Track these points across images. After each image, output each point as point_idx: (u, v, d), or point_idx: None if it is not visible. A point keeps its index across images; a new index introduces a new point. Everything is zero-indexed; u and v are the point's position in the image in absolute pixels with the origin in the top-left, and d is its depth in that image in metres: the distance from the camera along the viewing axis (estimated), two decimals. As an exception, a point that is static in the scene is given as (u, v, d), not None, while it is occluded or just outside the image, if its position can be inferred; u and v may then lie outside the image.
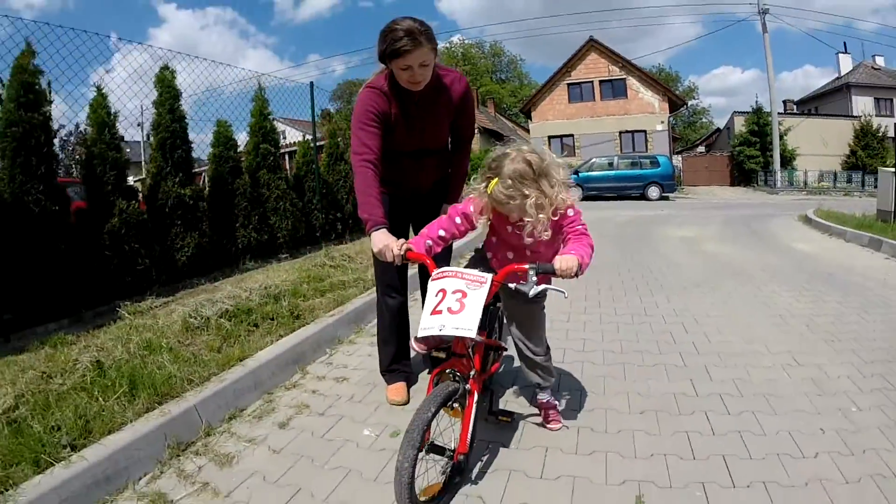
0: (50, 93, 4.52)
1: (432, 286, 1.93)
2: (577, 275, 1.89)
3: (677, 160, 29.55)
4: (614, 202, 18.62)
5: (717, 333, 3.80)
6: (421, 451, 1.73)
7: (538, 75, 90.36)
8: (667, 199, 19.77)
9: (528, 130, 33.98)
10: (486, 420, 2.42)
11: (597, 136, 28.55)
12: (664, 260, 6.88)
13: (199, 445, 2.47)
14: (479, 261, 2.35)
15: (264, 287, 4.23)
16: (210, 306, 3.72)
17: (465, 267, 2.07)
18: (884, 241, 6.83)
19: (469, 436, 1.97)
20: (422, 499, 1.83)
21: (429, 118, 2.54)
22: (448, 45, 50.51)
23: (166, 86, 5.55)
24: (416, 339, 2.01)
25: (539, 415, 2.57)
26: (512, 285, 2.02)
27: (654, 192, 19.66)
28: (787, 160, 27.70)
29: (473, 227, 2.24)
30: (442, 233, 2.16)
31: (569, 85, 29.93)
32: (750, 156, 28.54)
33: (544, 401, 2.49)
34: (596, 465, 2.19)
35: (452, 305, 1.85)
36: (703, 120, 55.36)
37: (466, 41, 52.06)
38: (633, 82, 28.76)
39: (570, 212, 2.09)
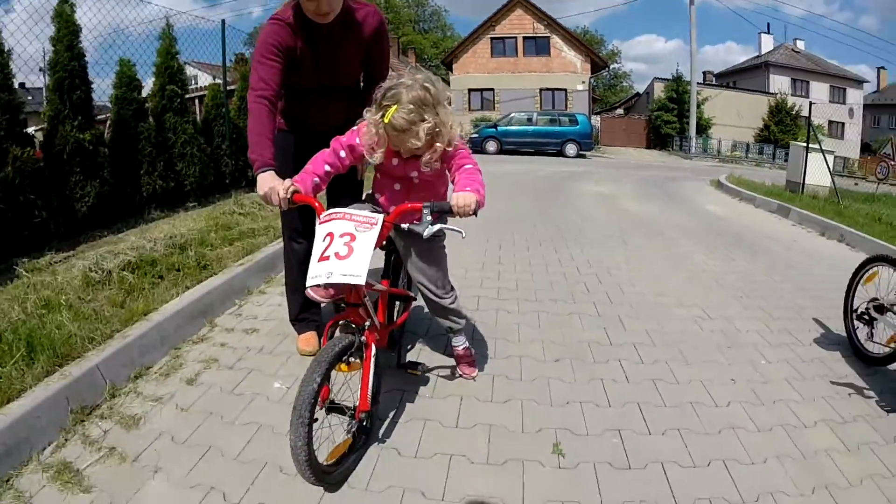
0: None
1: (320, 230, 1.78)
2: (475, 213, 1.82)
3: (596, 120, 30.25)
4: (532, 157, 18.89)
5: (629, 285, 3.95)
6: (314, 422, 1.64)
7: (462, 28, 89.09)
8: (584, 157, 20.25)
9: (448, 82, 33.68)
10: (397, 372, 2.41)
11: (517, 91, 28.58)
12: (579, 214, 7.06)
13: (104, 408, 2.31)
14: (369, 202, 2.25)
15: (170, 237, 3.98)
16: (112, 259, 3.45)
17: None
18: (792, 208, 7.35)
19: (370, 391, 1.87)
20: (329, 462, 1.78)
21: (338, 53, 2.37)
22: (371, -11, 48.73)
23: (65, 20, 4.87)
24: (309, 288, 1.85)
25: (453, 365, 2.57)
26: (405, 226, 1.86)
27: (571, 149, 20.03)
28: (703, 128, 29.11)
29: (357, 161, 2.11)
30: (327, 168, 2.01)
31: (492, 39, 29.69)
32: (667, 121, 29.65)
33: (459, 347, 2.48)
34: (512, 413, 2.23)
35: (340, 250, 1.70)
36: (624, 84, 56.75)
37: (390, -13, 50.26)
38: (556, 41, 28.84)
39: (456, 143, 2.03)
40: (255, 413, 2.24)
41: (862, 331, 2.91)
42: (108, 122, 5.75)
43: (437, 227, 1.82)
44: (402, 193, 2.15)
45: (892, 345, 2.62)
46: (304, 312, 2.79)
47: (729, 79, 38.24)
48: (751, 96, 32.37)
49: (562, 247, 5.08)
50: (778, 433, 2.15)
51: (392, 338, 2.47)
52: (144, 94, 6.04)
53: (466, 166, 2.00)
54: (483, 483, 1.83)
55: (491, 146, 20.48)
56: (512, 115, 21.64)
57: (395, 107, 1.82)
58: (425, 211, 1.80)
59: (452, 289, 2.37)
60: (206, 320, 3.18)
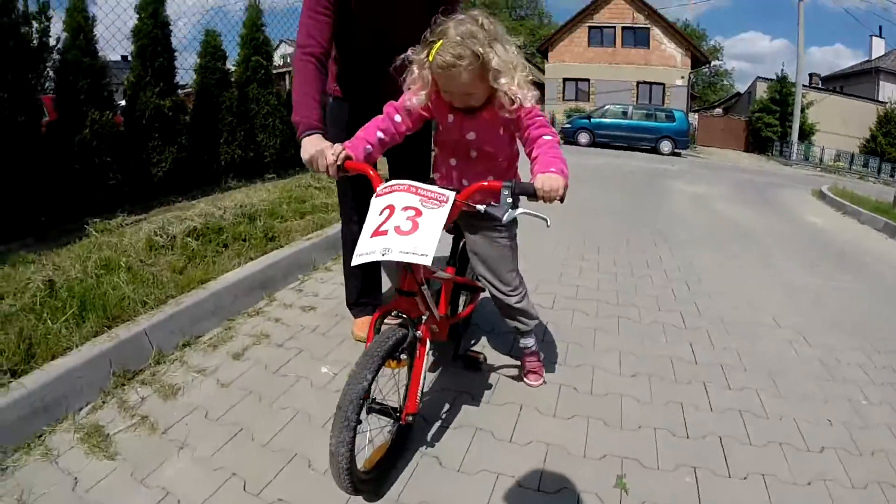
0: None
1: (376, 203, 1.53)
2: (562, 198, 1.52)
3: (693, 118, 28.64)
4: (625, 152, 18.09)
5: (721, 295, 3.55)
6: (358, 425, 1.43)
7: (560, 16, 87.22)
8: (678, 155, 19.21)
9: (542, 70, 32.64)
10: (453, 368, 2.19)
11: (614, 83, 27.47)
12: (670, 213, 6.60)
13: (146, 374, 2.25)
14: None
15: (240, 206, 3.93)
16: (178, 224, 3.43)
17: None
18: (901, 229, 6.48)
19: (419, 392, 1.66)
20: (366, 468, 1.57)
21: (398, 6, 2.04)
22: (468, -24, 48.65)
23: None
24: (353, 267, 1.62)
25: (518, 366, 2.32)
26: (481, 207, 1.55)
27: (666, 146, 19.08)
28: (806, 134, 26.86)
29: (416, 126, 1.82)
30: (380, 135, 1.74)
31: (590, 28, 28.64)
32: (768, 123, 27.60)
33: (527, 348, 2.20)
34: (575, 433, 1.96)
35: (402, 225, 1.45)
36: (725, 82, 53.22)
37: (487, -27, 49.90)
38: (656, 32, 27.51)
39: (528, 105, 1.66)
40: (296, 398, 2.09)
41: None
42: (193, 89, 5.86)
43: (520, 211, 1.52)
44: (457, 170, 1.89)
45: None
46: (362, 297, 2.60)
47: (836, 83, 34.82)
48: (858, 103, 29.38)
49: (650, 247, 4.69)
50: (874, 492, 1.77)
51: (455, 330, 2.23)
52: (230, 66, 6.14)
53: (545, 137, 1.67)
54: None
55: (583, 138, 19.86)
56: (607, 107, 20.87)
57: (440, 42, 1.55)
58: (505, 192, 1.49)
59: (522, 285, 2.07)
60: (265, 293, 3.09)
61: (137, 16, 5.01)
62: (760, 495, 1.71)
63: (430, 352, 1.70)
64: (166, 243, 3.24)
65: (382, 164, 2.23)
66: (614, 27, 28.16)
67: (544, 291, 3.34)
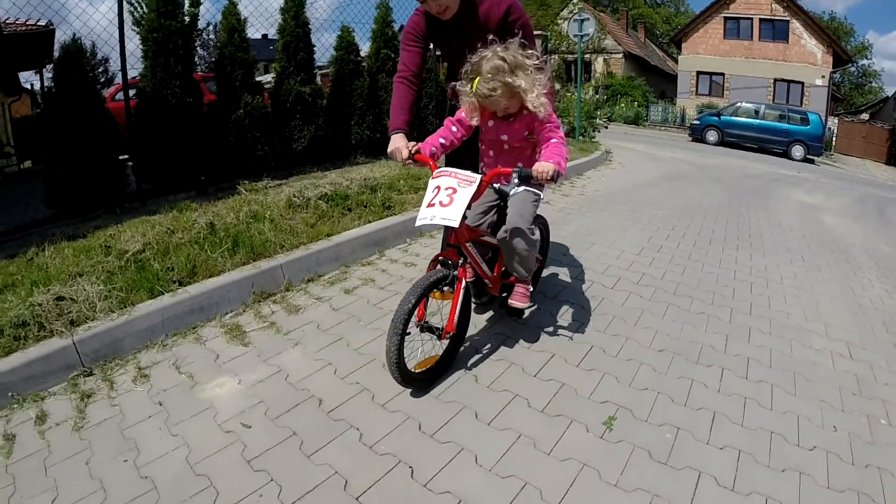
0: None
1: (431, 183, 2.19)
2: (553, 179, 2.07)
3: (832, 122, 26.21)
4: (753, 153, 17.12)
5: (781, 302, 3.64)
6: (406, 335, 2.06)
7: (698, 3, 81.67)
8: (811, 161, 17.85)
9: (676, 61, 31.42)
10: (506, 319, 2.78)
11: (749, 79, 25.92)
12: (769, 219, 6.45)
13: (277, 297, 3.06)
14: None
15: (364, 179, 4.75)
16: (312, 189, 4.27)
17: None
18: None
19: (456, 317, 2.27)
20: (417, 370, 2.22)
21: (466, 42, 2.49)
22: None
23: None
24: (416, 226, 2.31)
25: (556, 324, 2.85)
26: (496, 185, 2.32)
27: (797, 151, 17.82)
28: None
29: (468, 133, 2.46)
30: (442, 140, 2.39)
31: (726, 18, 26.97)
32: None
33: (520, 283, 2.66)
34: (589, 381, 2.45)
35: (444, 199, 2.10)
36: (874, 84, 47.11)
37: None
38: (796, 26, 25.35)
39: (546, 113, 2.27)
40: (385, 322, 2.76)
41: None
42: (329, 78, 6.77)
43: (522, 188, 2.27)
44: (494, 160, 2.51)
45: None
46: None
47: None
48: None
49: (731, 248, 4.78)
50: (849, 499, 1.88)
51: (507, 287, 2.80)
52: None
53: (553, 140, 2.28)
54: (529, 425, 2.12)
55: (711, 136, 19.12)
56: (738, 104, 19.81)
57: (477, 79, 2.21)
58: (514, 175, 2.12)
59: (533, 239, 2.50)
60: (377, 250, 3.84)
61: (282, 17, 5.99)
62: (729, 465, 1.96)
63: (465, 289, 2.30)
64: (302, 203, 4.06)
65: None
66: (751, 18, 26.30)
67: (611, 274, 3.75)
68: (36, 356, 2.37)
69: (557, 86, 25.39)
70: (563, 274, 3.67)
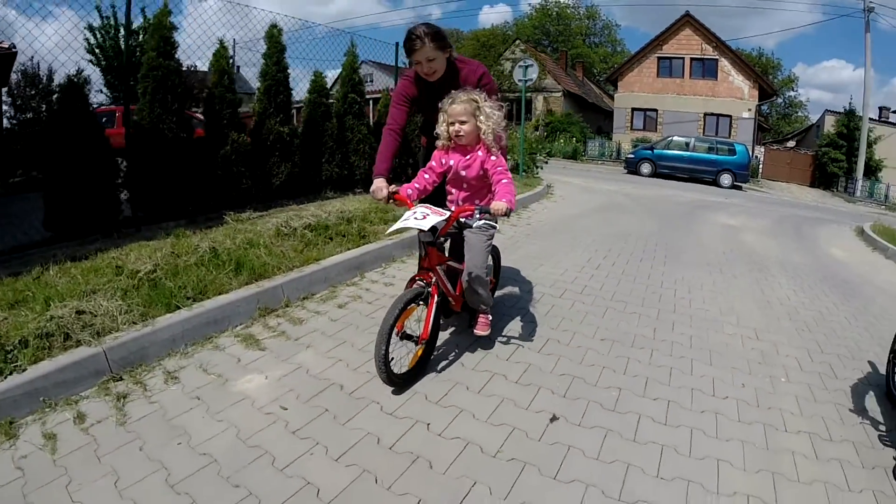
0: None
1: (408, 213, 2.71)
2: (507, 214, 2.60)
3: (760, 151, 28.37)
4: (684, 183, 18.50)
5: (700, 302, 4.41)
6: (391, 343, 2.53)
7: (633, 42, 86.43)
8: (739, 188, 19.40)
9: (613, 98, 33.13)
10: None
11: (681, 114, 27.83)
12: (695, 240, 7.30)
13: (279, 311, 3.56)
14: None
15: (340, 211, 5.31)
16: (297, 220, 4.80)
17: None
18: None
19: (430, 327, 2.77)
20: (400, 372, 2.70)
21: (441, 99, 3.03)
22: (544, 2, 49.46)
23: (274, 42, 6.63)
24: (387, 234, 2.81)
25: (513, 336, 3.40)
26: (462, 219, 2.76)
27: (726, 179, 19.29)
28: (872, 170, 25.88)
29: (439, 178, 3.01)
30: (417, 185, 2.92)
31: (659, 58, 29.04)
32: (834, 159, 26.93)
33: (482, 314, 3.18)
34: (548, 362, 3.10)
35: (418, 217, 2.65)
36: (799, 114, 51.64)
37: (562, 1, 50.52)
38: (724, 64, 27.61)
39: (493, 158, 2.86)
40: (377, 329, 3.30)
41: None
42: (301, 118, 7.33)
43: (482, 222, 2.75)
44: (456, 196, 3.05)
45: None
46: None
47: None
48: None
49: (658, 264, 5.56)
50: (755, 431, 2.57)
51: (468, 307, 3.29)
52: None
53: (503, 181, 2.80)
54: (509, 391, 2.73)
55: (645, 168, 20.40)
56: (670, 138, 21.32)
57: (449, 101, 2.83)
58: (476, 211, 2.64)
59: (486, 278, 3.01)
60: (359, 273, 4.38)
61: (264, 62, 6.55)
62: (661, 410, 2.67)
63: (437, 304, 2.79)
64: (289, 232, 4.57)
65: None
66: (683, 58, 28.41)
67: (558, 287, 4.45)
68: (67, 362, 2.60)
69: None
70: (518, 289, 4.32)
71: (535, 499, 2.03)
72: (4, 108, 10.20)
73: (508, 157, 11.32)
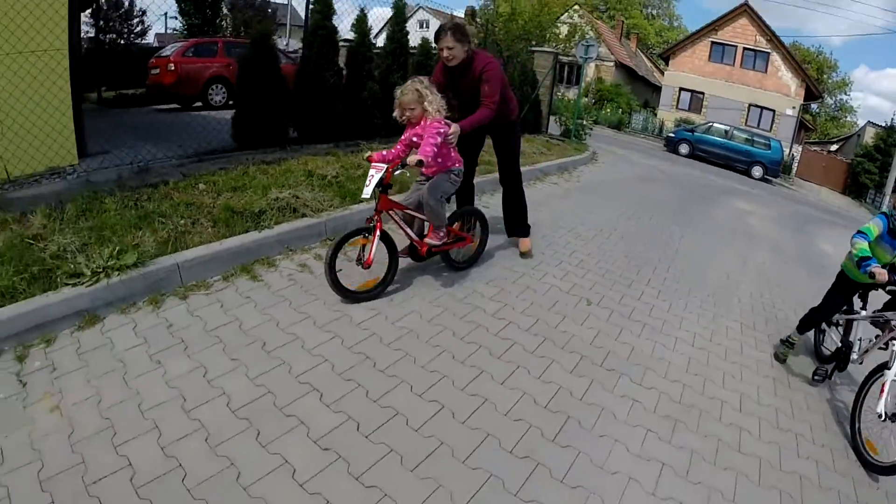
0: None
1: (371, 171, 3.34)
2: (419, 165, 3.26)
3: (797, 150, 28.38)
4: (717, 169, 19.11)
5: (686, 251, 6.08)
6: (333, 268, 3.31)
7: (690, 19, 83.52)
8: (768, 182, 20.03)
9: (663, 74, 33.39)
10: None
11: (727, 101, 28.08)
12: (705, 215, 8.71)
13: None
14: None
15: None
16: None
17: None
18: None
19: (372, 255, 3.39)
20: (359, 289, 3.52)
21: (461, 85, 3.96)
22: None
23: (399, 12, 8.25)
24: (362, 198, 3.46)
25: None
26: (395, 171, 3.39)
27: (757, 171, 19.85)
28: None
29: (407, 150, 3.63)
30: (385, 153, 3.56)
31: (713, 43, 29.10)
32: (868, 170, 26.89)
33: (437, 232, 3.77)
34: (539, 279, 4.97)
35: (373, 174, 3.30)
36: (849, 118, 50.59)
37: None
38: (775, 58, 27.68)
39: (431, 121, 3.48)
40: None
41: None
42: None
43: (400, 171, 3.44)
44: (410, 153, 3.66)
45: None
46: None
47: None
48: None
49: (668, 226, 7.12)
50: (703, 335, 4.23)
51: (446, 254, 4.16)
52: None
53: (430, 140, 3.40)
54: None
55: (683, 149, 21.01)
56: (712, 124, 21.82)
57: (400, 93, 3.58)
58: (400, 165, 3.38)
59: (441, 204, 3.74)
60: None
61: (389, 28, 8.22)
62: (653, 296, 4.56)
63: (379, 238, 3.45)
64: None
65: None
66: (736, 46, 28.56)
67: (598, 227, 6.22)
68: (301, 226, 4.22)
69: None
70: (571, 226, 5.99)
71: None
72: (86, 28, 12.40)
73: (561, 122, 12.97)
